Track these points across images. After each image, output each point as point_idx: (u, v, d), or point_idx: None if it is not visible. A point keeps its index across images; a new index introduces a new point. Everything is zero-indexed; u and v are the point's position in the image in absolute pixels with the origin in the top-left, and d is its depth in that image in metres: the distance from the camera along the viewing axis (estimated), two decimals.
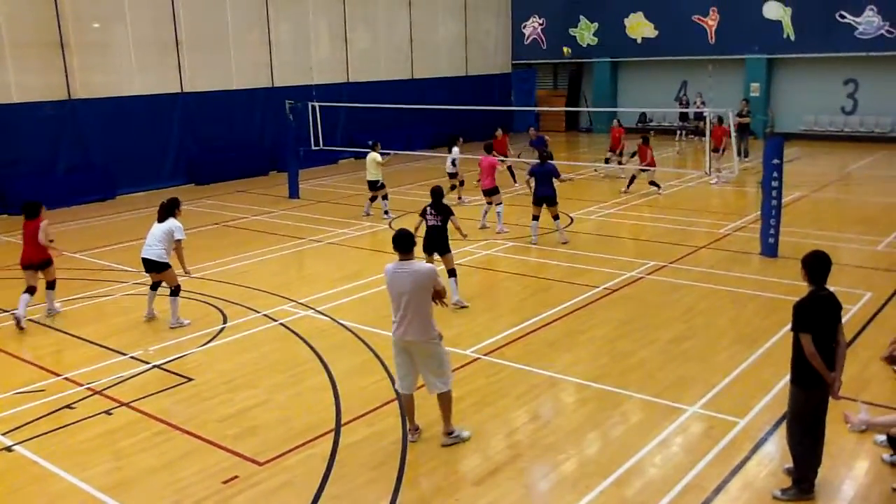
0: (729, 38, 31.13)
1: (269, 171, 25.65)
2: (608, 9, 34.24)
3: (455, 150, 19.84)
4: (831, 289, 6.42)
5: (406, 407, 7.71)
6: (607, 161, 23.18)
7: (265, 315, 11.64)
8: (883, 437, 7.21)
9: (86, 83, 21.63)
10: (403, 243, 7.30)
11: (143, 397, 8.89)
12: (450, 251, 11.90)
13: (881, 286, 12.05)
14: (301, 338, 10.66)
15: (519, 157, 23.29)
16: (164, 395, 8.97)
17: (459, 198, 19.56)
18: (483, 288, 13.22)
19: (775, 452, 7.25)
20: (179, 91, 23.72)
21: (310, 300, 12.25)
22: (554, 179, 15.08)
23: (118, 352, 10.32)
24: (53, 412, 8.56)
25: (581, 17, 35.19)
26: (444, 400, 7.47)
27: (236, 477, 7.14)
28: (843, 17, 28.69)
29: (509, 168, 21.32)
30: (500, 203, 16.40)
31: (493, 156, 16.85)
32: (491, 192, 16.40)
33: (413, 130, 28.53)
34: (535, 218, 15.21)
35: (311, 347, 10.29)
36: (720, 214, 17.71)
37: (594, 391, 8.76)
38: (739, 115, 24.25)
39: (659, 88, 33.63)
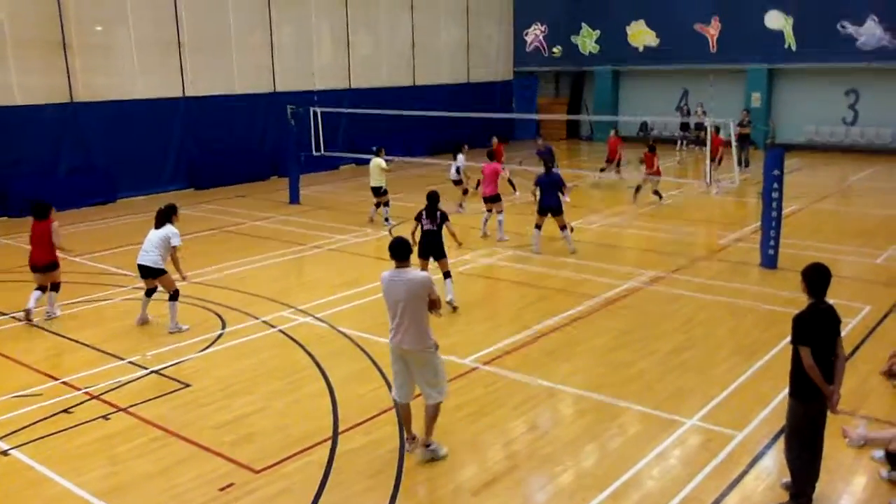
0: (730, 48, 31.20)
1: (269, 176, 25.66)
2: (610, 16, 34.31)
3: (460, 157, 19.89)
4: (830, 301, 6.42)
5: (403, 416, 7.69)
6: (603, 171, 23.21)
7: (264, 321, 11.62)
8: (881, 453, 7.20)
9: (88, 85, 21.65)
10: (399, 251, 7.29)
11: (141, 402, 8.88)
12: (445, 255, 11.97)
13: (880, 299, 12.04)
14: (299, 344, 10.65)
15: (520, 164, 23.29)
16: (161, 401, 8.96)
17: (460, 205, 19.58)
18: (482, 296, 13.21)
19: (773, 466, 7.24)
20: (181, 95, 23.73)
21: (309, 307, 12.24)
22: (559, 192, 15.09)
23: (116, 356, 10.31)
24: (50, 416, 8.55)
25: (583, 24, 35.26)
26: (432, 410, 7.41)
27: (232, 484, 7.13)
28: (844, 27, 28.74)
29: (508, 180, 21.34)
30: (502, 211, 16.40)
31: (498, 162, 16.86)
32: (493, 200, 16.40)
33: (414, 137, 28.53)
34: (538, 227, 15.20)
35: (310, 354, 10.28)
36: (720, 225, 17.72)
37: (592, 402, 8.74)
38: (740, 125, 24.29)
39: (660, 97, 33.66)
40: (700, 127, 26.54)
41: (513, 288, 13.42)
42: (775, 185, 13.51)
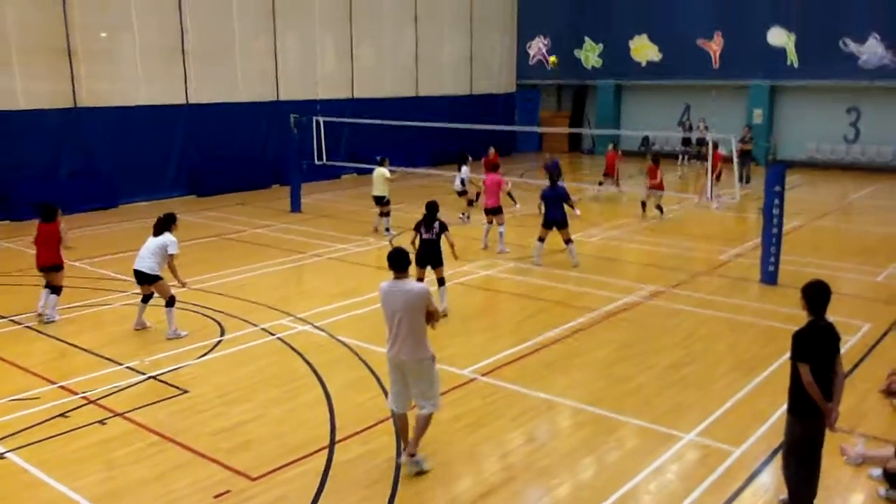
0: (733, 64, 31.31)
1: (271, 185, 25.68)
2: (613, 31, 34.44)
3: (464, 168, 19.97)
4: (830, 319, 6.41)
5: (399, 426, 7.65)
6: (601, 184, 23.24)
7: (263, 329, 11.62)
8: (879, 471, 7.18)
9: (92, 91, 21.71)
10: (398, 262, 7.29)
11: (138, 408, 8.87)
12: (442, 264, 12.05)
13: (880, 317, 12.03)
14: (298, 353, 10.64)
15: (521, 176, 23.34)
16: (158, 407, 8.94)
17: (463, 214, 19.63)
18: (482, 308, 13.21)
19: (771, 483, 7.22)
20: (185, 102, 23.79)
21: (308, 315, 12.23)
22: (565, 205, 15.12)
23: (114, 361, 10.30)
24: (47, 420, 8.54)
25: (586, 38, 35.39)
26: (423, 421, 7.37)
27: (228, 491, 7.11)
28: (846, 45, 28.85)
29: (508, 193, 21.41)
30: (503, 223, 16.41)
31: (499, 174, 16.86)
32: (494, 212, 16.42)
33: (416, 148, 28.59)
34: (541, 240, 15.21)
35: (308, 363, 10.26)
36: (721, 240, 17.71)
37: (590, 415, 8.73)
38: (742, 140, 24.33)
39: (662, 112, 33.75)
40: (702, 142, 26.59)
41: (512, 300, 13.41)
42: (776, 202, 13.53)
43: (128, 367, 10.10)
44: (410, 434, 7.57)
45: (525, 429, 8.42)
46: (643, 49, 33.90)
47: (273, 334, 11.39)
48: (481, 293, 13.89)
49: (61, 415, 8.68)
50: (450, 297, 12.93)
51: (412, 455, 7.37)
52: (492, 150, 21.19)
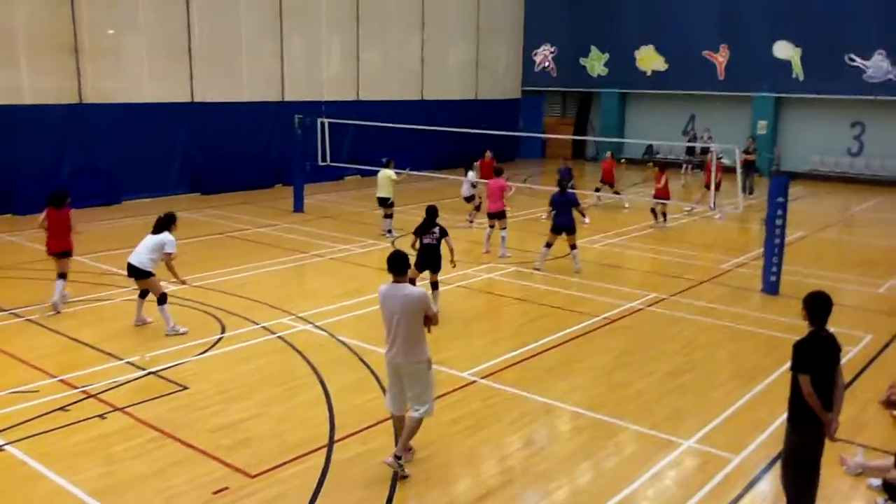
0: (738, 75, 31.33)
1: (274, 184, 25.69)
2: (619, 40, 34.45)
3: (471, 174, 20.06)
4: (831, 330, 6.41)
5: (397, 427, 7.67)
6: (598, 190, 23.25)
7: (263, 327, 11.63)
8: (878, 482, 7.18)
9: (97, 88, 21.74)
10: (397, 265, 7.30)
11: (138, 403, 8.87)
12: (440, 268, 12.14)
13: (881, 329, 12.04)
14: (298, 352, 10.65)
15: (525, 182, 23.38)
16: (158, 402, 8.95)
17: (470, 218, 19.67)
18: (483, 311, 13.23)
19: (769, 491, 7.22)
20: (189, 100, 23.83)
21: (309, 314, 12.24)
22: (574, 210, 15.15)
23: (115, 356, 10.31)
24: (47, 413, 8.54)
25: (592, 46, 35.41)
26: (414, 423, 7.35)
27: (227, 488, 7.11)
28: (852, 59, 28.87)
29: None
30: (505, 227, 16.43)
31: (504, 179, 16.89)
32: (498, 216, 16.45)
33: (420, 151, 28.61)
34: (548, 245, 15.22)
35: (308, 362, 10.27)
36: (723, 250, 17.72)
37: (589, 420, 8.73)
38: (746, 151, 24.35)
39: (666, 121, 33.79)
40: (706, 151, 26.60)
41: (514, 304, 13.42)
42: (779, 212, 13.54)
43: (128, 363, 10.11)
44: None
45: (524, 432, 8.43)
46: (649, 59, 33.93)
47: (274, 333, 11.39)
48: (483, 297, 13.90)
49: (61, 408, 8.68)
50: (451, 300, 12.99)
51: (398, 458, 7.29)
52: (488, 154, 21.37)
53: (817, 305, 6.33)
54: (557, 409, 9.03)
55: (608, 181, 22.97)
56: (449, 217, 19.40)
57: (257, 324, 11.75)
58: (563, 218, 15.07)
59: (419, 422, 7.37)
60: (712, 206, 18.95)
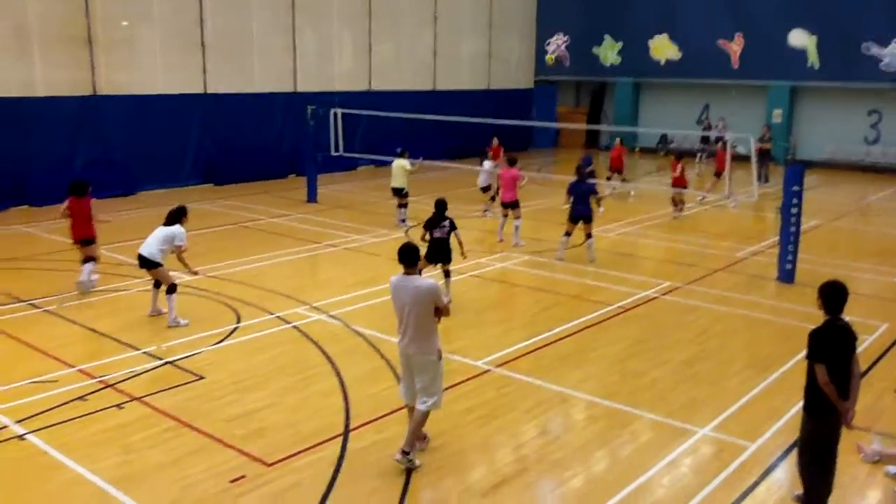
0: (753, 64, 31.10)
1: (287, 175, 25.76)
2: (633, 29, 34.28)
3: (486, 163, 20.06)
4: (847, 318, 6.38)
5: (411, 416, 7.69)
6: (609, 178, 23.18)
7: (278, 317, 11.67)
8: (895, 469, 7.15)
9: (111, 80, 21.83)
10: (407, 257, 7.30)
11: (155, 393, 8.94)
12: (451, 260, 12.16)
13: None
14: (313, 341, 10.69)
15: (539, 171, 23.37)
16: (174, 392, 9.01)
17: (486, 207, 19.66)
18: (497, 300, 13.24)
19: (785, 479, 7.21)
20: (202, 92, 23.90)
21: (323, 304, 12.28)
22: (591, 198, 15.14)
23: (132, 346, 10.38)
24: (66, 403, 8.62)
25: (605, 35, 35.24)
26: (420, 416, 7.34)
27: (243, 476, 7.16)
28: (868, 48, 28.60)
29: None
30: (519, 217, 16.41)
31: (517, 169, 16.86)
32: (512, 206, 16.43)
33: (432, 141, 28.53)
34: (568, 234, 15.19)
35: (323, 351, 10.31)
36: (738, 238, 17.64)
37: (604, 409, 8.73)
38: (761, 140, 24.21)
39: (681, 111, 33.62)
40: (720, 140, 26.48)
41: (528, 293, 13.42)
42: (795, 201, 13.47)
43: (145, 353, 10.18)
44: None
45: (538, 421, 8.44)
46: (663, 48, 33.74)
47: (288, 323, 11.44)
48: (496, 286, 13.91)
49: (80, 398, 8.76)
50: (465, 290, 13.01)
51: (405, 453, 7.29)
52: (495, 141, 21.48)
53: (833, 294, 6.30)
54: (572, 398, 9.03)
55: (617, 168, 22.92)
56: (462, 207, 19.43)
57: (272, 314, 11.80)
58: (581, 207, 15.02)
59: (426, 415, 7.36)
60: (727, 194, 18.84)
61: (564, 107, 37.44)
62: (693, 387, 9.35)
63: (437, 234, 12.03)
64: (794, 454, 6.82)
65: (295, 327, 11.27)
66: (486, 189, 19.99)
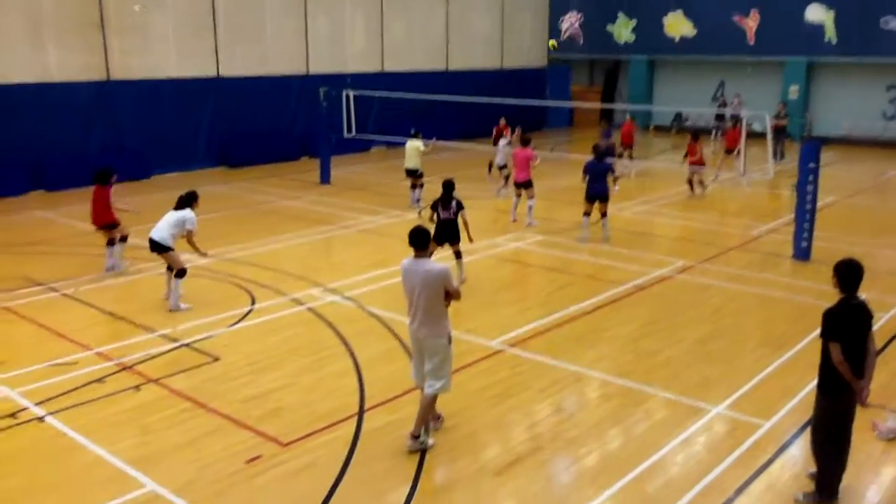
0: (769, 40, 30.72)
1: (300, 157, 25.79)
2: (647, 6, 33.94)
3: (501, 142, 20.01)
4: (863, 296, 6.34)
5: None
6: (620, 156, 23.04)
7: (293, 299, 11.73)
8: None
9: (124, 65, 21.88)
10: (418, 240, 7.28)
11: (171, 375, 9.03)
12: (459, 240, 12.15)
13: None
14: (327, 323, 10.74)
15: (552, 150, 23.29)
16: (190, 374, 9.10)
17: (500, 188, 19.63)
18: (511, 280, 13.24)
19: (800, 456, 7.20)
20: (215, 75, 23.91)
21: (337, 286, 12.33)
22: (609, 177, 15.08)
23: (148, 329, 10.47)
24: (84, 385, 8.71)
25: (619, 13, 34.92)
26: (427, 400, 7.34)
27: (260, 456, 7.23)
28: (887, 23, 28.20)
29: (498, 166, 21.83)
30: (533, 196, 16.37)
31: (531, 149, 16.79)
32: (525, 185, 16.40)
33: (446, 122, 28.43)
34: (587, 214, 15.10)
35: (337, 333, 10.36)
36: (753, 216, 17.54)
37: (618, 387, 8.74)
38: (777, 117, 24.00)
39: (696, 88, 33.33)
40: (736, 118, 26.26)
41: (542, 272, 13.41)
42: (810, 178, 13.36)
43: (161, 335, 10.26)
44: (438, 404, 7.60)
45: (553, 400, 8.46)
46: (677, 25, 33.39)
47: (303, 304, 11.50)
48: (510, 265, 13.91)
49: (98, 380, 8.85)
50: (479, 269, 13.02)
51: (416, 437, 7.34)
52: (502, 121, 21.46)
53: (848, 273, 6.26)
54: (586, 377, 9.04)
55: (627, 143, 22.81)
56: (473, 187, 19.42)
57: (286, 295, 11.86)
58: (597, 185, 14.92)
59: (433, 399, 7.37)
60: (741, 171, 18.71)
61: (578, 86, 37.19)
62: (707, 365, 9.34)
63: (443, 214, 12.02)
64: (808, 433, 6.81)
65: (309, 309, 11.32)
66: (503, 167, 19.93)
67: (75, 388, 8.62)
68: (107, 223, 12.95)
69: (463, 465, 7.13)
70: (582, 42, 36.16)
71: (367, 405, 8.29)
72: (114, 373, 9.07)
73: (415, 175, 18.15)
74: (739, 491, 6.64)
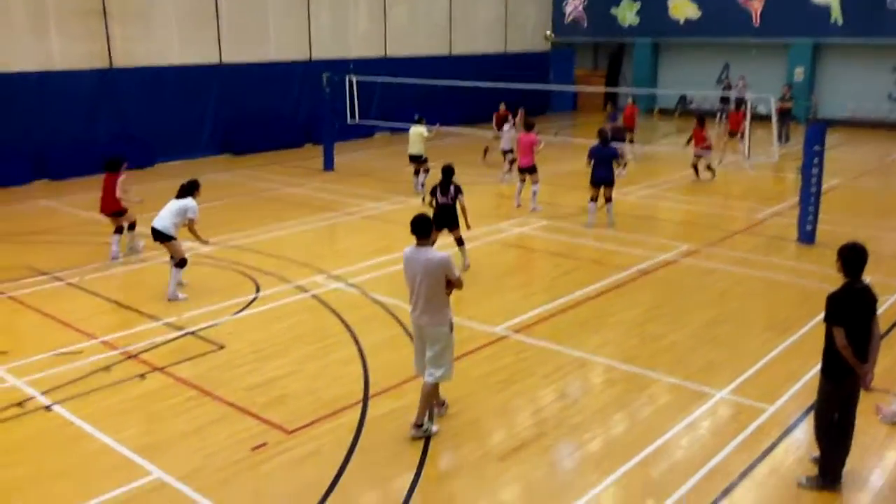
0: (774, 22, 30.52)
1: (304, 144, 25.76)
2: None
3: (506, 126, 19.94)
4: (867, 280, 6.32)
5: None
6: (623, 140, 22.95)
7: (297, 286, 11.74)
8: None
9: (127, 52, 21.84)
10: (420, 228, 7.26)
11: (176, 363, 9.05)
12: (458, 226, 12.10)
13: None
14: (332, 310, 10.76)
15: (556, 135, 23.22)
16: (196, 362, 9.12)
17: (506, 171, 19.58)
18: (515, 265, 13.24)
19: (803, 440, 7.21)
20: (218, 62, 23.86)
21: (342, 273, 12.33)
22: (614, 162, 15.04)
23: (153, 317, 10.50)
24: (91, 374, 8.75)
25: None
26: (428, 388, 7.33)
27: (265, 444, 7.26)
28: (893, 4, 27.97)
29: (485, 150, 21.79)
30: (537, 182, 16.33)
31: (534, 133, 16.73)
32: (529, 170, 16.36)
33: (449, 107, 28.35)
34: (593, 200, 15.05)
35: (342, 320, 10.38)
36: (757, 199, 17.48)
37: (622, 373, 8.75)
38: (782, 99, 23.87)
39: (700, 70, 33.14)
40: (740, 101, 26.13)
41: (546, 258, 13.41)
42: (815, 161, 13.30)
43: (166, 323, 10.29)
44: (442, 390, 7.63)
45: (557, 385, 8.47)
46: (682, 6, 33.17)
47: (307, 291, 11.51)
48: (515, 251, 13.90)
49: (103, 369, 8.88)
50: (483, 255, 13.01)
51: (419, 426, 7.35)
52: (502, 106, 21.40)
53: (852, 257, 6.24)
54: (591, 363, 9.05)
55: (629, 126, 22.70)
56: (475, 172, 19.40)
57: (291, 283, 11.87)
58: (602, 170, 14.87)
59: (434, 387, 7.38)
60: (746, 154, 18.63)
61: (582, 69, 37.00)
62: (712, 350, 9.34)
63: (441, 199, 11.98)
64: (811, 417, 6.81)
65: (313, 296, 11.34)
66: (508, 152, 19.89)
67: (81, 377, 8.66)
68: (115, 210, 13.07)
69: (467, 452, 7.15)
70: (586, 25, 35.96)
71: (371, 392, 8.31)
72: (119, 361, 9.10)
73: (419, 161, 18.13)
74: (743, 475, 6.65)
